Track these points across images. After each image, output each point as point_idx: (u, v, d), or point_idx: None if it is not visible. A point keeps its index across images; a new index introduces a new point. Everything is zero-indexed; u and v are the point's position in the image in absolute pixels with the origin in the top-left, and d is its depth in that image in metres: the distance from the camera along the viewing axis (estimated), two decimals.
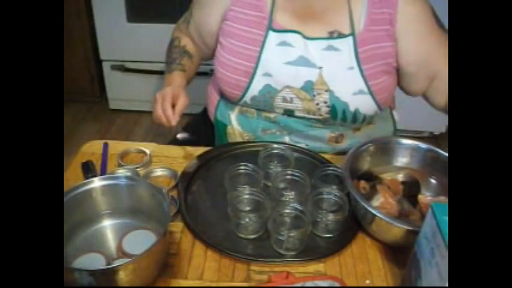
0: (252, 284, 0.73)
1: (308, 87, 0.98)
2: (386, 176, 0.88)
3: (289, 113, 1.03)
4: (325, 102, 0.98)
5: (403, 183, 0.87)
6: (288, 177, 0.88)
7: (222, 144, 1.09)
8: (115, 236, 0.79)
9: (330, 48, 0.97)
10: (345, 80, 0.97)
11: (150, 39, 2.25)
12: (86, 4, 2.26)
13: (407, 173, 0.89)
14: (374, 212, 0.75)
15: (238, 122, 1.08)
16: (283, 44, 0.98)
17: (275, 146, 0.98)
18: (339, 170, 0.88)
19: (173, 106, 0.94)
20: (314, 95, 0.98)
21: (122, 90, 2.48)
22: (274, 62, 0.98)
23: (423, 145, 0.90)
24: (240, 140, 1.09)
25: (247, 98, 1.02)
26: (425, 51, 0.98)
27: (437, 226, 0.59)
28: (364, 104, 0.98)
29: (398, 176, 0.88)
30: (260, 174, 0.88)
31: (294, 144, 1.05)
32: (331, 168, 0.90)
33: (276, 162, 0.94)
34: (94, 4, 2.21)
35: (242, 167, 0.89)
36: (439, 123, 2.24)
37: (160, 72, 2.27)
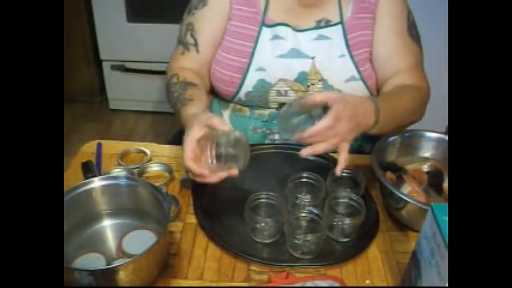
0: (252, 284, 0.73)
1: (302, 78, 1.00)
2: (411, 167, 0.89)
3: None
4: (320, 92, 1.00)
5: (427, 173, 0.89)
6: (303, 180, 0.87)
7: None
8: (115, 236, 0.79)
9: (321, 37, 1.00)
10: (337, 68, 1.00)
11: (150, 39, 2.25)
12: (86, 4, 2.26)
13: (431, 163, 0.90)
14: (406, 198, 0.77)
15: (231, 121, 1.09)
16: (275, 37, 1.00)
17: (288, 147, 0.98)
18: (353, 173, 0.88)
19: None
20: (308, 86, 1.00)
21: (122, 90, 2.48)
22: (267, 56, 1.00)
23: (446, 137, 0.92)
24: None
25: (241, 94, 1.03)
26: (389, 50, 1.01)
27: (437, 226, 0.59)
28: (357, 90, 1.00)
29: (422, 166, 0.90)
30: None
31: (284, 142, 1.05)
32: (345, 170, 0.88)
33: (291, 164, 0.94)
34: (94, 4, 2.21)
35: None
36: (439, 123, 2.24)
37: (161, 72, 2.28)
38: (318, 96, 0.81)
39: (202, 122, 0.79)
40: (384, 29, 1.01)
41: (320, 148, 0.79)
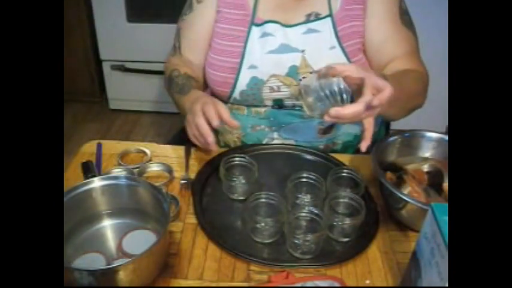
0: (252, 284, 0.73)
1: (293, 72, 1.01)
2: (411, 167, 0.89)
3: (278, 103, 1.05)
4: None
5: (427, 173, 0.89)
6: (304, 180, 0.87)
7: (237, 146, 1.09)
8: (115, 236, 0.79)
9: (310, 31, 1.01)
10: (328, 60, 0.98)
11: (150, 39, 2.25)
12: (86, 4, 2.26)
13: (431, 163, 0.90)
14: (406, 198, 0.77)
15: None
16: (264, 35, 1.02)
17: (288, 147, 0.98)
18: (353, 173, 0.88)
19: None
20: (300, 80, 1.01)
21: (122, 90, 2.48)
22: (257, 53, 1.01)
23: (446, 137, 0.92)
24: (229, 135, 1.11)
25: (236, 94, 1.04)
26: (382, 36, 1.01)
27: (437, 226, 0.59)
28: None
29: (422, 166, 0.90)
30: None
31: (283, 140, 1.06)
32: (345, 170, 0.89)
33: (288, 163, 0.94)
34: (94, 4, 2.22)
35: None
36: (439, 123, 2.24)
37: (160, 72, 2.28)
38: (346, 70, 0.79)
39: (219, 106, 0.85)
40: (376, 16, 1.00)
41: (370, 130, 0.80)
